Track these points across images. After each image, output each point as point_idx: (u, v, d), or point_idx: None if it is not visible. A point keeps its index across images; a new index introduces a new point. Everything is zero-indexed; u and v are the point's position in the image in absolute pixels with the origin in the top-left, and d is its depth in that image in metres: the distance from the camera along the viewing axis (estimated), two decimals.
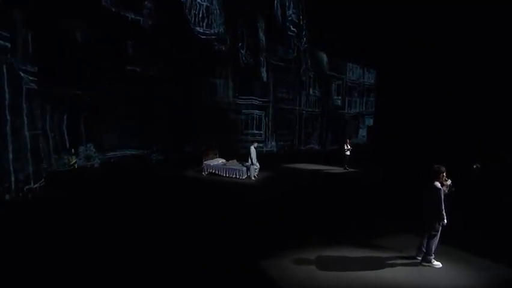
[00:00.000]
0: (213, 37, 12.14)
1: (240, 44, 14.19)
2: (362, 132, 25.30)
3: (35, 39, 8.84)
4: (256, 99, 17.79)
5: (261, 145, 18.64)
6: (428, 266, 4.75)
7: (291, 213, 7.29)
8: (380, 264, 4.75)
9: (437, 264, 4.75)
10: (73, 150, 11.46)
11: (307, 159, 16.76)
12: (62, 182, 10.17)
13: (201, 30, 11.58)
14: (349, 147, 13.70)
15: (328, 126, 22.36)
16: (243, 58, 14.68)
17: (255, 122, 18.05)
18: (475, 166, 11.77)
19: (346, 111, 23.72)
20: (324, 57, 21.24)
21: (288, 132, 20.09)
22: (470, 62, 17.10)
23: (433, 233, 4.67)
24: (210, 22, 11.80)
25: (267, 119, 18.63)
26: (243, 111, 17.41)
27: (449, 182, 4.75)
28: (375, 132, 24.12)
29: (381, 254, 5.09)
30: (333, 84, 22.42)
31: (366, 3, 18.92)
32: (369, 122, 25.56)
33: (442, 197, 4.53)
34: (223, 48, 12.63)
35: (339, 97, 23.13)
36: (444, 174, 4.68)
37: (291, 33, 17.22)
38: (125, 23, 10.10)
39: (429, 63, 19.13)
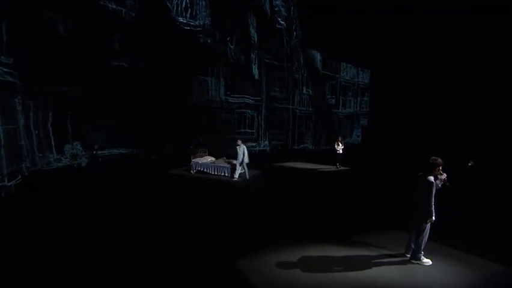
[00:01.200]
0: (197, 29, 11.76)
1: (228, 39, 13.88)
2: (357, 132, 25.15)
3: (10, 28, 8.43)
4: (248, 98, 17.53)
5: (253, 144, 18.46)
6: (417, 263, 4.50)
7: (276, 211, 7.02)
8: (367, 262, 4.49)
9: (427, 261, 4.50)
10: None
11: (300, 158, 16.55)
12: (44, 181, 9.82)
13: (184, 21, 11.15)
14: (341, 145, 13.50)
15: (322, 126, 22.15)
16: (232, 53, 14.35)
17: (247, 121, 17.79)
18: (469, 164, 11.67)
19: (340, 110, 23.55)
20: (318, 56, 21.07)
21: (281, 132, 19.84)
22: (464, 62, 17.07)
23: (422, 228, 4.43)
24: (194, 13, 11.42)
25: (259, 118, 18.38)
26: (235, 110, 17.14)
27: (444, 176, 4.45)
28: (369, 132, 24.02)
29: (369, 252, 4.83)
30: (327, 84, 22.24)
31: (360, 3, 18.85)
32: (364, 122, 25.42)
33: (433, 192, 4.27)
34: (209, 41, 12.27)
35: (333, 96, 22.95)
36: (440, 167, 4.40)
37: (279, 26, 16.85)
38: (106, 14, 9.73)
39: (424, 63, 19.10)
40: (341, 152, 13.49)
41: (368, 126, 24.79)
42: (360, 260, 4.54)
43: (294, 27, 18.11)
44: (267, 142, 18.97)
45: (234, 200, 8.05)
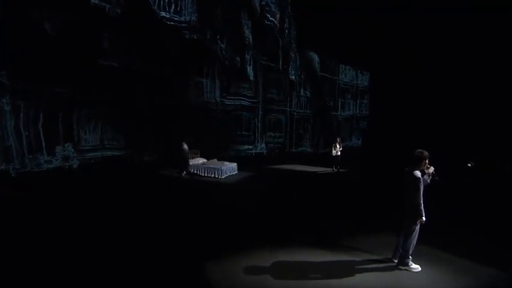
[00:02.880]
0: (182, 25, 11.50)
1: (218, 37, 13.66)
2: (357, 135, 24.76)
3: None
4: (245, 100, 17.32)
5: (250, 147, 18.19)
6: (405, 269, 4.14)
7: (260, 213, 6.69)
8: (349, 268, 4.14)
9: (416, 267, 4.15)
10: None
11: (298, 161, 16.23)
12: (29, 183, 9.63)
13: (167, 16, 10.88)
14: (338, 147, 13.14)
15: (320, 128, 21.82)
16: (223, 52, 14.12)
17: (243, 123, 17.54)
18: (469, 164, 11.34)
19: (339, 113, 23.21)
20: (316, 57, 20.84)
21: (278, 134, 19.57)
22: (464, 65, 16.81)
23: (410, 230, 4.08)
24: (179, 8, 11.18)
25: (256, 120, 18.13)
26: (231, 112, 16.92)
27: (431, 169, 4.09)
28: (369, 135, 23.66)
29: (353, 257, 4.48)
30: (325, 86, 21.97)
31: (358, 6, 18.68)
32: (364, 124, 25.05)
33: (421, 188, 3.92)
34: (195, 37, 12.04)
35: (332, 99, 22.65)
36: (427, 161, 4.06)
37: (268, 23, 16.49)
38: (91, 11, 9.52)
39: (423, 63, 18.85)
40: (339, 154, 13.13)
41: (368, 129, 24.44)
42: (342, 266, 4.19)
43: (285, 25, 17.82)
44: (264, 145, 18.68)
45: (218, 201, 7.75)
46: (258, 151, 18.32)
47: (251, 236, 5.27)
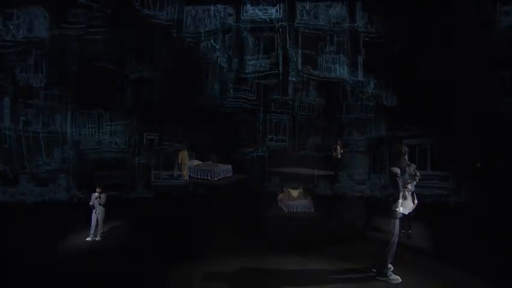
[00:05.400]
0: (169, 23, 11.43)
1: (210, 37, 13.53)
2: (361, 139, 24.09)
3: None
4: (245, 102, 17.18)
5: (250, 150, 17.94)
6: (383, 280, 3.80)
7: (238, 216, 6.44)
8: (322, 278, 3.84)
9: (395, 278, 3.80)
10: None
11: (299, 164, 15.93)
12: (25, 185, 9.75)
13: (151, 13, 10.79)
14: (339, 149, 12.80)
15: (324, 131, 21.34)
16: (217, 53, 14.02)
17: (244, 125, 17.38)
18: (478, 165, 10.89)
19: (344, 115, 22.65)
20: (318, 58, 20.44)
21: (281, 138, 19.26)
22: (469, 68, 16.23)
23: (388, 237, 3.74)
24: (164, 5, 11.09)
25: (257, 122, 17.94)
26: (231, 114, 16.80)
27: (412, 167, 3.74)
28: (375, 138, 23.02)
29: (329, 265, 4.18)
30: (330, 88, 21.49)
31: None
32: (370, 127, 24.35)
33: (400, 182, 3.57)
34: (182, 36, 11.98)
35: (337, 101, 22.12)
36: (405, 157, 3.71)
37: (259, 20, 16.15)
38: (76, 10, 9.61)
39: (428, 67, 18.32)
40: (339, 157, 12.77)
41: (373, 132, 23.78)
42: (314, 275, 3.89)
43: (280, 24, 17.46)
44: (265, 148, 18.43)
45: (201, 204, 7.56)
46: (259, 154, 18.07)
47: (221, 241, 5.02)
